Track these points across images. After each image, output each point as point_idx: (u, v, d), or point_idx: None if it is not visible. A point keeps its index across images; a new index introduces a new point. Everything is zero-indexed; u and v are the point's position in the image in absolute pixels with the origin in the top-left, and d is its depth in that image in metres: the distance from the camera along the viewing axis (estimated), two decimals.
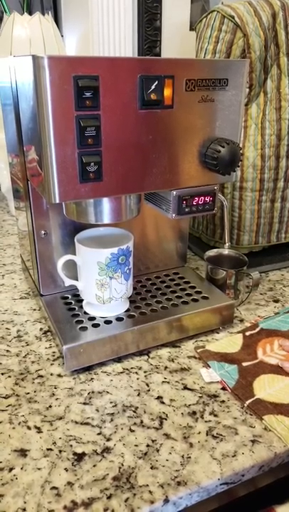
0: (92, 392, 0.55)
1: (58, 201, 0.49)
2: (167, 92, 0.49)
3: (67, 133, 0.46)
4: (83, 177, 0.48)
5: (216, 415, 0.52)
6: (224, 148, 0.53)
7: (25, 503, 0.41)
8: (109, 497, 0.42)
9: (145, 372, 0.59)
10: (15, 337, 0.65)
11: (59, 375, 0.57)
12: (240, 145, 0.77)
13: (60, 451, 0.47)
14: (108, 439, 0.48)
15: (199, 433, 0.49)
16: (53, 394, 0.54)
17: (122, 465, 0.45)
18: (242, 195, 0.82)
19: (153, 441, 0.48)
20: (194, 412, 0.52)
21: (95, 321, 0.61)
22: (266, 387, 0.55)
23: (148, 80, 0.48)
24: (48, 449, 0.47)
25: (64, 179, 0.48)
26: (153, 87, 0.48)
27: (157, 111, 0.50)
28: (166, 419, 0.51)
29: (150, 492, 0.42)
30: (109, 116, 0.47)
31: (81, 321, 0.61)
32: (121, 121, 0.48)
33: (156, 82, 0.48)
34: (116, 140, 0.49)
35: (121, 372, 0.58)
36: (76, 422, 0.50)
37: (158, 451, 0.47)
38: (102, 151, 0.48)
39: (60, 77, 0.44)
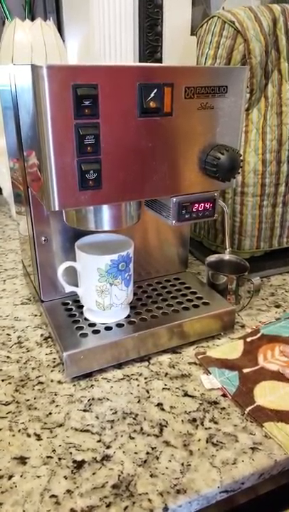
0: (92, 399, 0.55)
1: (57, 209, 0.49)
2: (166, 99, 0.50)
3: (67, 141, 0.46)
4: (82, 185, 0.49)
5: (216, 422, 0.51)
6: (224, 155, 0.53)
7: (24, 511, 0.41)
8: (108, 505, 0.42)
9: (145, 378, 0.58)
10: (15, 343, 0.65)
11: (59, 382, 0.58)
12: (241, 150, 0.77)
13: (59, 459, 0.47)
14: (108, 447, 0.48)
15: (199, 440, 0.49)
16: (53, 401, 0.54)
17: (122, 473, 0.45)
18: (243, 200, 0.82)
19: (153, 448, 0.48)
20: (194, 419, 0.52)
21: (95, 328, 0.61)
22: (267, 394, 0.55)
23: (147, 87, 0.48)
24: (47, 457, 0.47)
25: (63, 187, 0.48)
26: (152, 94, 0.48)
27: (156, 118, 0.50)
28: (166, 427, 0.51)
29: (149, 500, 0.42)
30: (108, 124, 0.48)
31: (81, 328, 0.61)
32: (120, 129, 0.49)
33: (156, 90, 0.49)
34: (115, 148, 0.49)
35: (121, 379, 0.58)
36: (76, 429, 0.50)
37: (158, 458, 0.47)
38: (101, 159, 0.49)
39: (59, 86, 0.44)
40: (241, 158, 0.54)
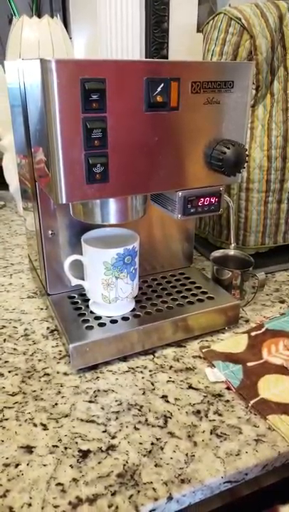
0: (98, 390, 0.55)
1: (64, 202, 0.50)
2: (173, 94, 0.50)
3: (74, 135, 0.47)
4: (90, 178, 0.49)
5: (220, 414, 0.52)
6: (230, 149, 0.54)
7: (30, 498, 0.42)
8: (113, 494, 0.42)
9: (150, 371, 0.59)
10: (22, 335, 0.66)
11: (65, 374, 0.58)
12: (247, 146, 0.77)
13: (65, 448, 0.47)
14: (113, 437, 0.49)
15: (203, 432, 0.50)
16: (59, 392, 0.55)
17: (127, 462, 0.46)
18: (248, 196, 0.82)
19: (157, 439, 0.49)
20: (199, 411, 0.52)
21: (101, 321, 0.62)
22: (271, 388, 0.55)
23: (154, 82, 0.49)
24: (53, 446, 0.47)
25: (71, 180, 0.49)
26: (159, 89, 0.49)
27: (163, 113, 0.51)
28: (170, 418, 0.51)
29: (154, 489, 0.43)
30: (115, 118, 0.48)
31: (87, 320, 0.62)
32: (127, 123, 0.49)
33: (162, 85, 0.49)
34: (122, 142, 0.50)
35: (126, 371, 0.59)
36: (82, 420, 0.51)
37: (162, 449, 0.47)
38: (108, 153, 0.49)
39: (67, 80, 0.45)
40: (247, 153, 0.55)
